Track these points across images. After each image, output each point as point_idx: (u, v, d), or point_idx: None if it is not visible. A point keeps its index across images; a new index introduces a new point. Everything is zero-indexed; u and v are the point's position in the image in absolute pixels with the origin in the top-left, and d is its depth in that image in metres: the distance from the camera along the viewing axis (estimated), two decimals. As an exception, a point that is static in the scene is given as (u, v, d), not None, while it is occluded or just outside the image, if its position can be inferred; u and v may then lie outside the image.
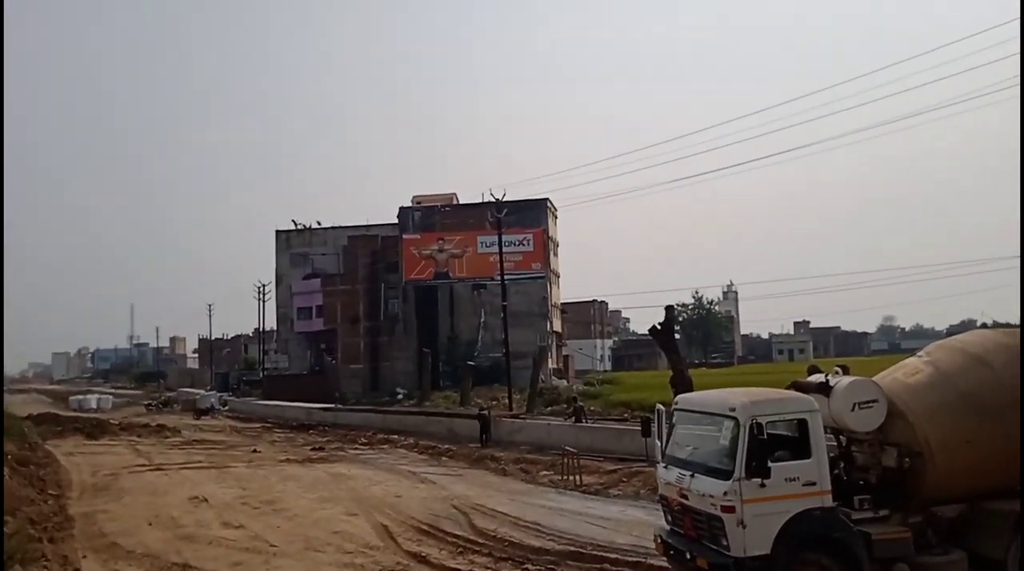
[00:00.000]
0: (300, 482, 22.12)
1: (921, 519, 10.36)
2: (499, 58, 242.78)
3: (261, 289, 71.67)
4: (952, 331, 66.81)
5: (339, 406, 45.12)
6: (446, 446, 28.48)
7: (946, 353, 11.23)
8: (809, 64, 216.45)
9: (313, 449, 30.25)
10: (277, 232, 68.61)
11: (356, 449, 30.40)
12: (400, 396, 50.76)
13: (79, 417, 47.95)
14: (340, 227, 66.94)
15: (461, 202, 62.83)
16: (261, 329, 75.44)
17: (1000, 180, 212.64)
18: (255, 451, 29.86)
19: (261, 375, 68.20)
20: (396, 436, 32.46)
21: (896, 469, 10.52)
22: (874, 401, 10.49)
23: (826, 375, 11.18)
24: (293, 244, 68.24)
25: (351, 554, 13.85)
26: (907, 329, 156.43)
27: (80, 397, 68.67)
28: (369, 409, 42.11)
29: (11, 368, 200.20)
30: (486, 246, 54.78)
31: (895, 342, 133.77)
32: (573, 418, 29.69)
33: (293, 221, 69.10)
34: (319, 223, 68.77)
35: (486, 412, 30.19)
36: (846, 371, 11.41)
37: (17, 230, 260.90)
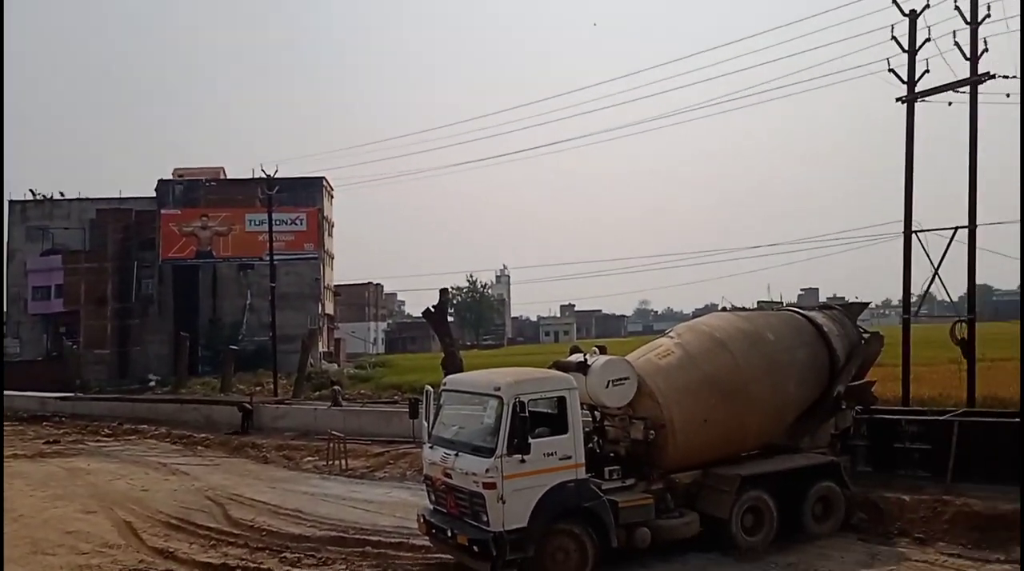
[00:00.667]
0: (29, 479, 19.76)
1: (662, 486, 11.24)
2: (274, 27, 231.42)
3: (-12, 266, 63.17)
4: (697, 313, 73.63)
5: (79, 394, 40.92)
6: (203, 435, 26.70)
7: (695, 337, 12.23)
8: (583, 58, 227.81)
9: (47, 443, 27.15)
10: (11, 202, 60.48)
11: (98, 441, 27.70)
12: (153, 383, 47.01)
13: None
14: (87, 199, 60.25)
15: (229, 177, 59.16)
16: (-13, 310, 66.58)
17: (734, 177, 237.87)
18: (-27, 447, 26.24)
19: (-15, 362, 60.29)
20: (146, 426, 29.92)
21: (642, 441, 11.31)
22: (626, 378, 11.20)
23: (585, 355, 11.77)
24: (30, 216, 60.58)
25: (87, 555, 12.63)
26: (659, 312, 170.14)
27: None
28: (115, 397, 38.55)
29: None
30: (255, 224, 51.90)
31: (649, 324, 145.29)
32: (331, 402, 29.10)
33: (31, 190, 61.44)
34: (62, 194, 61.65)
35: (248, 403, 28.62)
36: (603, 351, 12.10)
37: None
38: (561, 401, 10.42)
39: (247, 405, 28.43)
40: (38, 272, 57.42)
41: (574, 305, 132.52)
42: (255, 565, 11.48)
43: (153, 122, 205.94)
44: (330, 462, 20.32)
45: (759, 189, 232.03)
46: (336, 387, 31.96)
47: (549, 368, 11.76)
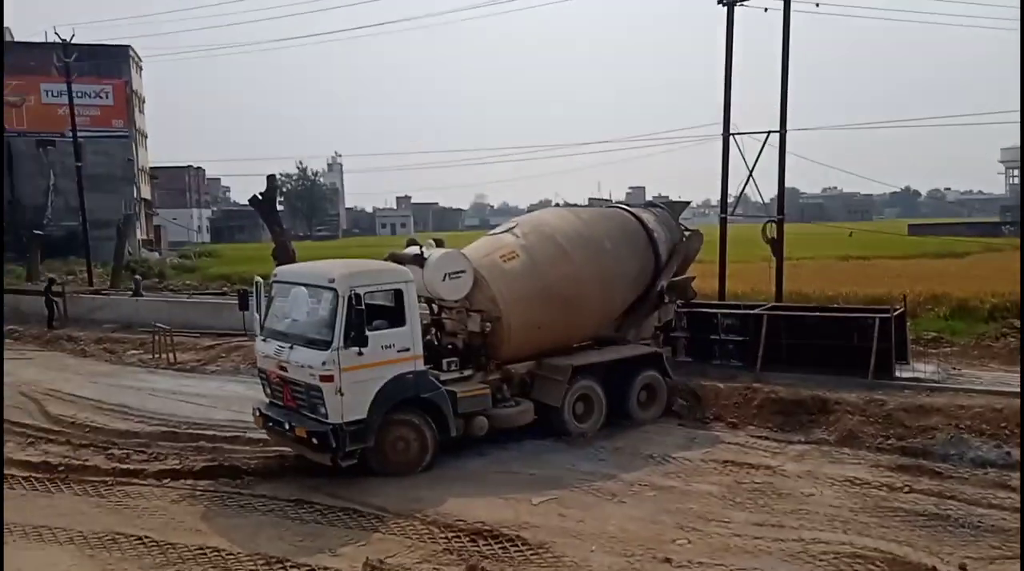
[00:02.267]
0: None
1: (499, 376, 11.72)
2: None
3: None
4: (532, 208, 75.19)
5: None
6: (10, 328, 24.66)
7: (539, 240, 12.37)
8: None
9: None
10: None
11: None
12: None
13: None
14: None
15: (16, 40, 52.47)
16: None
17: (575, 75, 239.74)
18: None
19: None
20: None
21: (479, 333, 11.65)
22: (462, 272, 11.38)
23: (421, 247, 11.80)
24: None
25: None
26: (495, 206, 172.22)
27: None
28: None
29: None
30: (53, 95, 46.85)
31: (485, 218, 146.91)
32: (132, 293, 27.67)
33: None
34: None
35: (57, 285, 26.32)
36: (440, 244, 12.17)
37: None
38: (398, 294, 10.45)
39: (54, 286, 25.96)
40: None
41: (410, 197, 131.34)
42: (79, 462, 11.00)
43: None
44: (156, 356, 19.47)
45: (588, 85, 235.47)
46: (136, 276, 30.38)
47: (385, 260, 11.71)
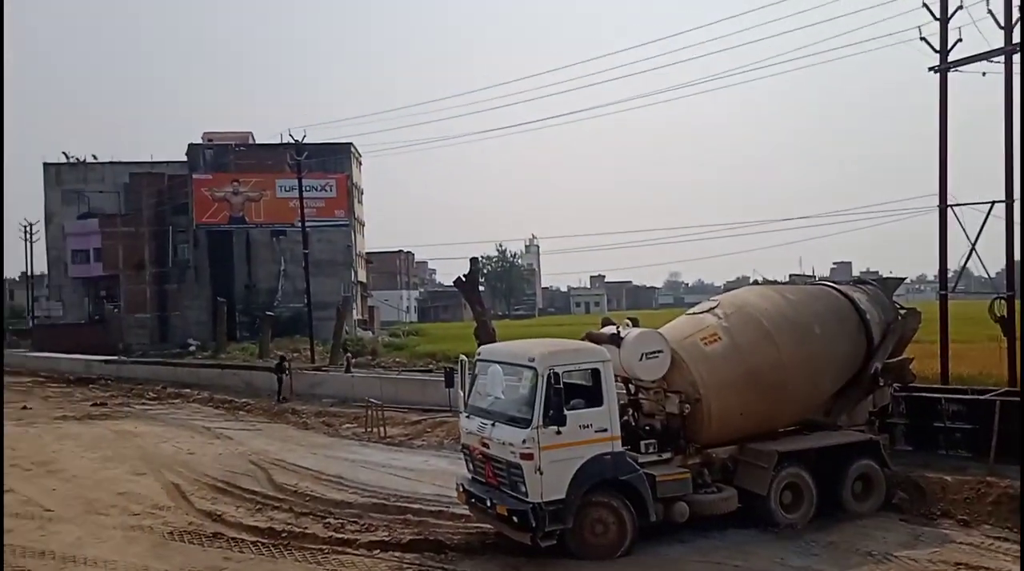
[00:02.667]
0: (79, 441, 20.48)
1: (699, 461, 11.38)
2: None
3: (28, 229, 64.69)
4: (729, 286, 73.32)
5: (123, 358, 41.97)
6: (244, 400, 27.39)
7: (742, 322, 11.92)
8: (631, 17, 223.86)
9: (94, 405, 28.02)
10: (45, 165, 61.55)
11: (144, 404, 28.50)
12: (193, 348, 48.07)
13: None
14: (120, 163, 61.06)
15: (258, 142, 59.55)
16: (29, 273, 68.25)
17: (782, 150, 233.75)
18: (25, 408, 27.14)
19: (31, 324, 61.81)
20: (188, 390, 30.75)
21: (678, 415, 11.44)
22: (660, 352, 11.29)
23: (618, 327, 11.88)
24: (65, 179, 61.55)
25: (138, 515, 13.12)
26: (690, 284, 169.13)
27: None
28: (158, 361, 39.54)
29: None
30: (286, 190, 52.50)
31: (680, 296, 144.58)
32: (345, 368, 29.77)
33: (64, 154, 62.43)
34: (95, 157, 62.55)
35: (285, 362, 28.93)
36: (636, 323, 12.18)
37: None
38: (595, 373, 10.53)
39: (283, 363, 28.39)
40: (76, 235, 58.48)
41: (604, 276, 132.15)
42: (300, 529, 11.81)
43: (182, 87, 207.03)
44: (369, 429, 20.77)
45: (787, 160, 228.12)
46: (348, 354, 32.74)
47: (582, 340, 11.88)
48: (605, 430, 10.37)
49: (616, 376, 10.99)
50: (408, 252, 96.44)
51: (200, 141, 58.81)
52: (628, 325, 11.97)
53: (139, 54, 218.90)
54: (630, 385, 12.27)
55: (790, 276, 19.63)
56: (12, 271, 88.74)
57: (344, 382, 28.02)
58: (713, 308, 12.50)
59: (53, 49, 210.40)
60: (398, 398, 24.05)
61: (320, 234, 52.48)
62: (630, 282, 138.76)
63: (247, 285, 55.12)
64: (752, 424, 11.61)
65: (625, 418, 11.61)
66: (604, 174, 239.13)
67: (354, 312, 55.52)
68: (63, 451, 19.10)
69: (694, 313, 12.91)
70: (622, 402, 11.66)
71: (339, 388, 27.55)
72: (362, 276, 63.48)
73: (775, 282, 16.86)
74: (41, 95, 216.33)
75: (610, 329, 11.96)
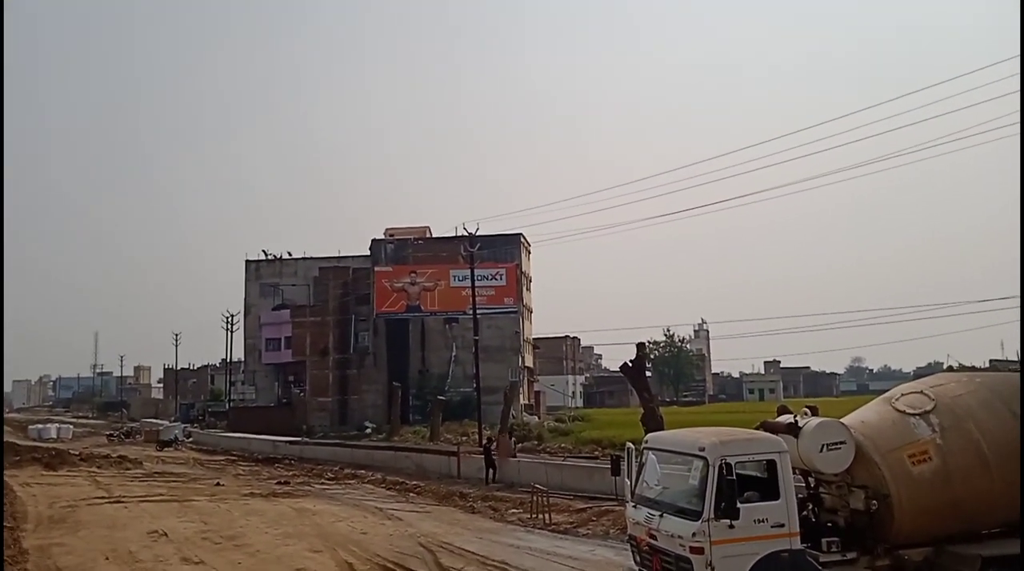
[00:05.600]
0: (264, 517, 21.64)
1: (888, 563, 10.39)
2: (482, 90, 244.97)
3: (229, 319, 70.93)
4: (919, 372, 67.69)
5: (306, 439, 44.46)
6: (414, 482, 28.10)
7: (959, 442, 10.60)
8: (795, 103, 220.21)
9: (278, 483, 29.70)
10: (247, 261, 68.06)
11: (323, 484, 29.88)
12: (369, 430, 50.19)
13: (38, 447, 46.72)
14: (311, 258, 66.58)
15: (434, 235, 62.89)
16: (228, 359, 74.44)
17: (970, 228, 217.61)
18: (218, 484, 29.24)
19: (227, 406, 67.16)
20: (364, 471, 31.99)
21: (863, 512, 10.55)
22: (842, 443, 10.54)
23: (795, 416, 11.23)
24: (263, 274, 67.68)
25: (313, 592, 13.57)
26: (875, 370, 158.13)
27: (40, 426, 66.85)
28: (337, 443, 41.55)
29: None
30: (459, 280, 54.85)
31: (864, 383, 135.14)
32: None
33: (263, 251, 68.72)
34: (289, 254, 68.42)
35: (492, 445, 28.89)
36: (815, 412, 11.47)
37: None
38: (771, 464, 9.99)
39: (490, 446, 28.72)
40: (270, 325, 63.52)
41: (779, 361, 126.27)
42: (465, 613, 11.81)
43: (370, 185, 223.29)
44: (534, 515, 20.60)
45: (980, 237, 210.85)
46: (511, 439, 32.63)
47: (756, 428, 11.32)
48: (782, 525, 9.73)
49: (794, 468, 10.36)
50: (574, 337, 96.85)
51: (382, 236, 62.87)
52: (807, 413, 11.31)
53: (331, 158, 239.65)
54: (809, 478, 11.49)
55: (991, 361, 17.94)
56: (214, 358, 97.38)
57: (511, 467, 28.12)
58: (928, 411, 10.95)
59: (263, 164, 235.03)
60: (563, 484, 23.80)
61: (490, 321, 54.01)
62: (808, 368, 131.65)
63: (420, 370, 57.33)
64: (951, 524, 10.48)
65: (804, 513, 10.83)
66: (775, 257, 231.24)
67: (521, 397, 56.10)
68: (249, 526, 20.24)
69: (902, 409, 11.26)
70: (800, 496, 10.92)
71: (505, 473, 27.68)
72: (529, 361, 64.26)
73: (973, 368, 15.43)
74: (246, 196, 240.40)
75: (787, 418, 11.33)
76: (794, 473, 10.35)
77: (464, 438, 38.56)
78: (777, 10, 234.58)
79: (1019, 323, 14.59)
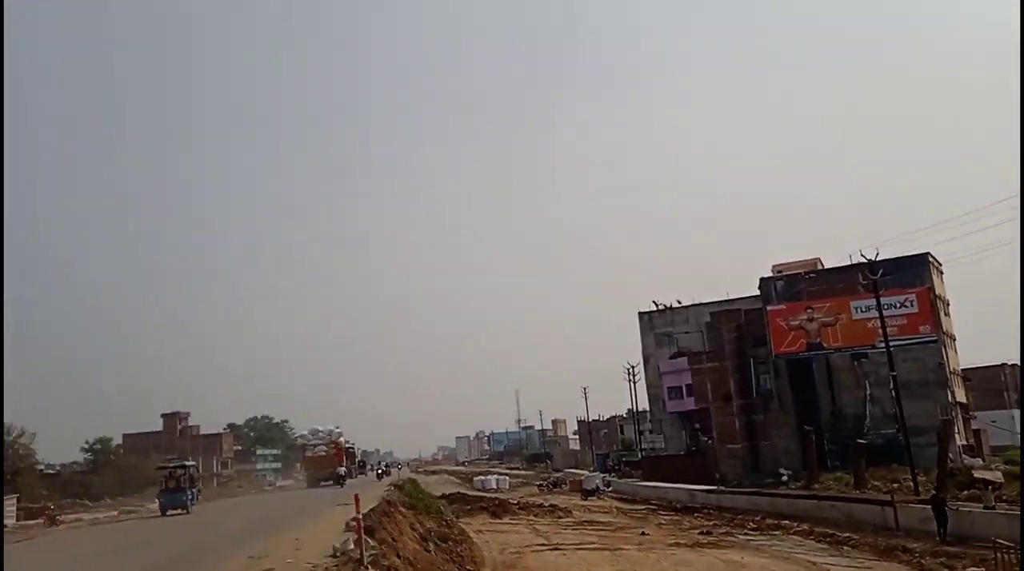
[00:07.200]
0: (693, 568, 21.87)
1: None
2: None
3: (631, 370, 73.82)
4: None
5: (722, 488, 44.03)
6: (845, 534, 26.22)
7: None
8: None
9: (701, 533, 29.78)
10: (640, 314, 70.65)
11: (746, 534, 29.30)
12: (784, 477, 48.11)
13: (483, 496, 52.95)
14: (700, 304, 66.93)
15: (826, 266, 59.24)
16: (635, 410, 77.29)
17: None
18: (643, 534, 30.23)
19: (639, 456, 69.52)
20: (786, 521, 30.69)
21: None
22: None
23: None
24: (656, 324, 69.60)
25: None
26: None
27: (482, 478, 75.84)
28: (754, 492, 40.45)
29: (425, 452, 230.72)
30: (861, 312, 50.80)
31: None
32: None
33: (653, 302, 70.77)
34: (679, 302, 69.56)
35: (942, 496, 25.83)
36: None
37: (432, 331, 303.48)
38: None
39: (940, 496, 25.86)
40: (669, 373, 64.82)
41: None
42: None
43: (755, 224, 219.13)
44: (998, 578, 17.92)
45: None
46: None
47: None
48: None
49: None
50: (1014, 365, 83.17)
51: (770, 273, 61.07)
52: None
53: (707, 199, 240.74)
54: None
55: None
56: (619, 408, 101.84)
57: (963, 518, 24.72)
58: None
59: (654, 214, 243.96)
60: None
61: (905, 353, 48.91)
62: None
63: (832, 411, 53.72)
64: None
65: None
66: None
67: (956, 437, 49.55)
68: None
69: None
70: None
71: (957, 525, 24.40)
72: (960, 396, 56.67)
73: None
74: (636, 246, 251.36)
75: None
76: None
77: (895, 485, 35.05)
78: None
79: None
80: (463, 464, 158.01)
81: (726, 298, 64.66)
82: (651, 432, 71.74)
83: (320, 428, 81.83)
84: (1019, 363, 15.08)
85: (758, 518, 32.41)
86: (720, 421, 58.90)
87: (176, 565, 15.61)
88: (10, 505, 51.38)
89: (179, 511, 37.59)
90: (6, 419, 72.71)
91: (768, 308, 57.44)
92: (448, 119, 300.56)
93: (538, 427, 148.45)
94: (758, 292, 59.84)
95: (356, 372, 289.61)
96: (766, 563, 22.05)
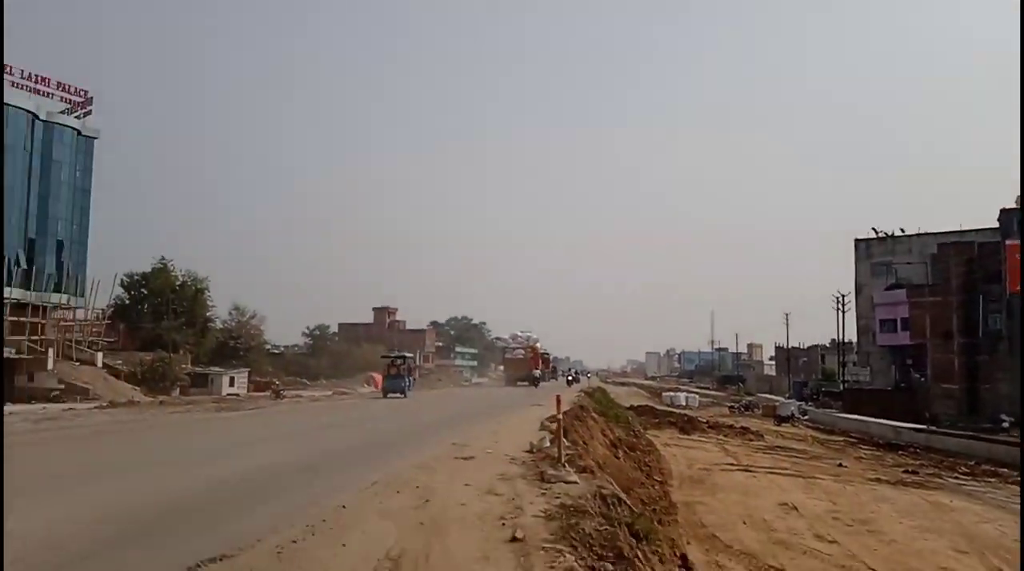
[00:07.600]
0: (894, 505, 20.90)
1: None
2: None
3: (840, 300, 69.83)
4: None
5: (933, 428, 41.19)
6: None
7: None
8: None
9: (905, 472, 28.21)
10: (856, 241, 66.16)
11: (956, 478, 27.39)
12: (1006, 424, 44.15)
13: (671, 412, 53.16)
14: (927, 234, 61.54)
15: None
16: (840, 340, 73.37)
17: None
18: (840, 465, 29.13)
19: (840, 387, 66.37)
20: (1004, 470, 28.30)
21: None
22: None
23: None
24: (874, 253, 64.99)
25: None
26: None
27: (671, 394, 75.99)
28: (971, 435, 37.45)
29: (614, 364, 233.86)
30: None
31: None
32: None
33: (873, 229, 65.85)
34: (902, 230, 64.25)
35: None
36: None
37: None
38: None
39: None
40: (884, 305, 60.61)
41: None
42: None
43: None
44: None
45: None
46: None
47: None
48: None
49: None
50: None
51: (1013, 205, 54.63)
52: None
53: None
54: None
55: None
56: (823, 337, 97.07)
57: None
58: None
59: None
60: None
61: None
62: None
63: (1072, 360, 48.11)
64: None
65: None
66: None
67: None
68: (880, 513, 19.75)
69: None
70: None
71: None
72: None
73: None
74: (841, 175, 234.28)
75: None
76: None
77: None
78: None
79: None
80: (652, 379, 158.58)
81: (958, 229, 58.98)
82: (855, 364, 68.04)
83: (520, 333, 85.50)
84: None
85: (971, 463, 30.12)
86: (937, 358, 54.63)
87: (406, 437, 18.84)
88: (242, 378, 59.22)
89: (398, 395, 43.47)
90: (240, 300, 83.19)
91: (1007, 242, 51.66)
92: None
93: (732, 350, 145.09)
94: (997, 224, 53.94)
95: (549, 287, 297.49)
96: (979, 510, 20.61)
